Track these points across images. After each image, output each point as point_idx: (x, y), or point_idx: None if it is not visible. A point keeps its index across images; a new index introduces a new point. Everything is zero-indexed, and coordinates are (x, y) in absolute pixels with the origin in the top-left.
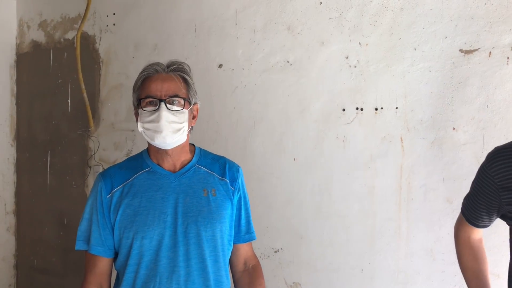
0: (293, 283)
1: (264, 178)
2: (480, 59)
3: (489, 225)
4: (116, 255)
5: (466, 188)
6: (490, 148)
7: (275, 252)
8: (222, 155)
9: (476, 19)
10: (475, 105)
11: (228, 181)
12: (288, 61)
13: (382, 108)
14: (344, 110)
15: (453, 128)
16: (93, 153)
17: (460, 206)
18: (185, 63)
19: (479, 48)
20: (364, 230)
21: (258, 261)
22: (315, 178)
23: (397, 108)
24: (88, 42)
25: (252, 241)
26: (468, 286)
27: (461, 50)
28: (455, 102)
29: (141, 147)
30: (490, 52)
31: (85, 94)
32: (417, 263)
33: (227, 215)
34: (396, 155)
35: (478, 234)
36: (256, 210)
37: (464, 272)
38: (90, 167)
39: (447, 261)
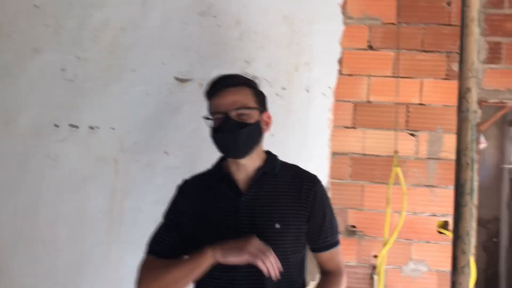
0: None
1: None
2: (192, 88)
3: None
4: None
5: None
6: (197, 171)
7: None
8: None
9: (190, 51)
10: (186, 131)
11: None
12: None
13: (98, 127)
14: (57, 126)
15: (165, 152)
16: None
17: None
18: None
19: (192, 78)
20: (72, 256)
21: None
22: (19, 200)
23: (113, 128)
24: None
25: None
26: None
27: (176, 78)
28: (169, 127)
29: None
30: (201, 84)
31: None
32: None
33: None
34: (109, 176)
35: None
36: None
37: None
38: None
39: None
